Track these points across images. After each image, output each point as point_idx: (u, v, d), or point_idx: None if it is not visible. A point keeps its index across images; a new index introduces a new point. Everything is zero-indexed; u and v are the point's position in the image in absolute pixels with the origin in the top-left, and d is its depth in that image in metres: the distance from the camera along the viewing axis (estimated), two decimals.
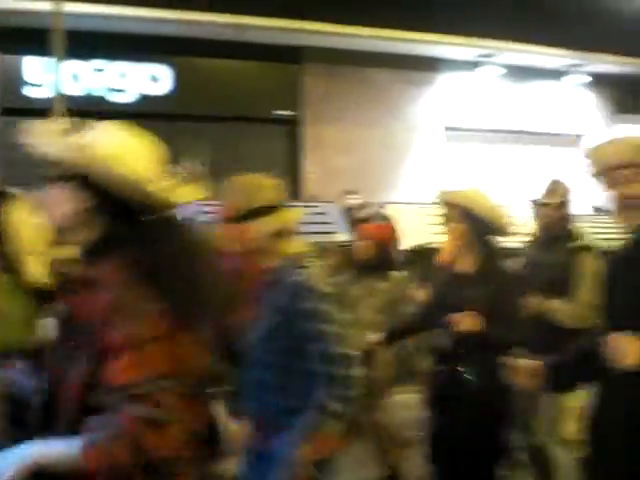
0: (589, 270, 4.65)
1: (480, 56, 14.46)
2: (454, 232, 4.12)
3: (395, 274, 5.39)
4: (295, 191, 13.36)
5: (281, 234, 2.90)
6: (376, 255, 5.37)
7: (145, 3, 11.58)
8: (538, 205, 5.18)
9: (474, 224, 4.02)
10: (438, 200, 4.21)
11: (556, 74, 15.55)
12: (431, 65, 14.45)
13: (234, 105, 13.31)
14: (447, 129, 14.72)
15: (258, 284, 2.88)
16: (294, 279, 2.81)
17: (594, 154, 2.91)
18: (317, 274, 2.85)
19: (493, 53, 14.34)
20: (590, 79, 15.86)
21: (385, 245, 5.45)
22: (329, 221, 8.25)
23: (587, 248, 4.85)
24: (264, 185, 2.93)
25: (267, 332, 2.84)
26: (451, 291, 4.13)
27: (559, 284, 4.73)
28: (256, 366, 2.87)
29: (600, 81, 16.05)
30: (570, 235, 5.00)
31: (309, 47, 13.39)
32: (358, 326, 5.15)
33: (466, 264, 4.14)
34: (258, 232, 2.85)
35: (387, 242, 5.50)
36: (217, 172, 11.92)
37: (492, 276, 4.01)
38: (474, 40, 13.71)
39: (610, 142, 2.90)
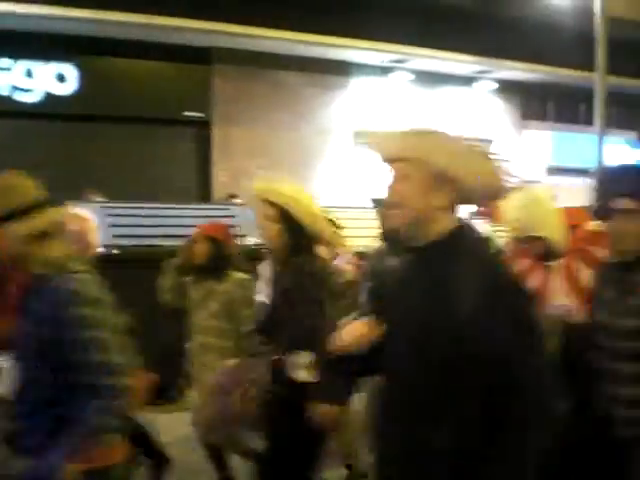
0: None
1: (391, 61, 14.62)
2: (268, 232, 3.85)
3: (234, 275, 5.05)
4: (205, 193, 13.30)
5: (44, 237, 2.61)
6: (212, 255, 5.10)
7: (52, 1, 11.36)
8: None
9: (290, 226, 3.73)
10: (258, 196, 3.87)
11: (465, 80, 15.83)
12: (342, 69, 14.54)
13: (143, 106, 13.14)
14: (356, 133, 14.81)
15: (19, 292, 2.67)
16: (57, 285, 2.56)
17: (372, 140, 2.48)
18: (84, 279, 2.63)
19: (404, 59, 14.51)
20: (498, 85, 16.19)
21: (221, 244, 5.14)
22: (237, 224, 8.20)
23: None
24: (18, 185, 2.64)
25: (32, 345, 2.59)
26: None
27: None
28: (27, 381, 2.65)
29: (508, 87, 16.40)
30: None
31: (219, 48, 13.32)
32: (195, 331, 5.04)
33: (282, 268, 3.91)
34: (14, 236, 2.56)
35: (223, 241, 5.18)
36: (124, 173, 11.78)
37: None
38: (385, 45, 13.84)
39: (389, 131, 2.46)
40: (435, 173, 2.24)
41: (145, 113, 13.18)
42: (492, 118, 16.50)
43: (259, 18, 12.54)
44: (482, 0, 14.94)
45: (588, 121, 13.85)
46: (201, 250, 5.13)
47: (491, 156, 2.32)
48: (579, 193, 9.51)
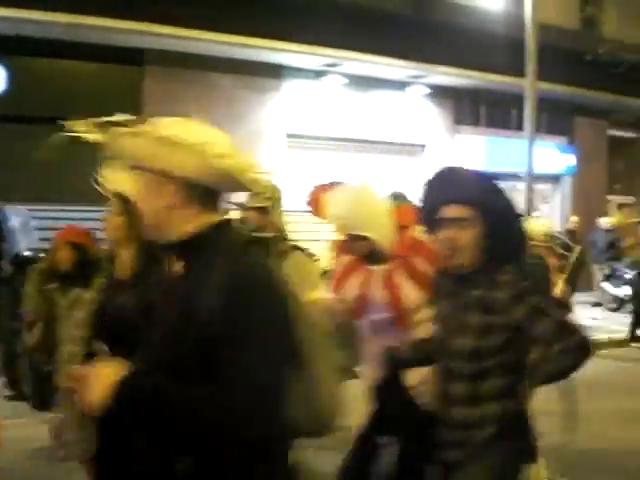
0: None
1: (324, 65, 14.54)
2: (111, 224, 3.68)
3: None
4: None
5: None
6: (76, 262, 4.90)
7: None
8: (244, 208, 4.53)
9: (132, 217, 3.43)
10: (102, 188, 3.72)
11: (399, 85, 15.84)
12: (275, 72, 14.40)
13: (72, 107, 12.76)
14: (289, 136, 14.70)
15: None
16: None
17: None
18: None
19: (337, 62, 14.45)
20: (431, 90, 16.26)
21: (84, 250, 4.92)
22: None
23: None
24: None
25: None
26: (108, 299, 3.67)
27: None
28: None
29: (441, 92, 16.47)
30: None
31: (150, 49, 13.06)
32: (63, 340, 4.80)
33: (122, 264, 3.66)
34: None
35: (85, 246, 4.96)
36: (52, 175, 11.40)
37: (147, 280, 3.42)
38: (318, 49, 13.75)
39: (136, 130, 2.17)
40: (157, 173, 2.11)
41: (75, 115, 12.82)
42: (425, 123, 16.56)
43: (190, 20, 12.34)
44: (416, 5, 15.00)
45: (519, 126, 13.98)
46: (64, 256, 4.89)
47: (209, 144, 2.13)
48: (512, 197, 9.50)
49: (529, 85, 13.05)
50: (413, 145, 16.50)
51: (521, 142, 13.26)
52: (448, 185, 3.13)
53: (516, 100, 14.19)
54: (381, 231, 3.77)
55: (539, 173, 14.30)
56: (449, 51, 14.81)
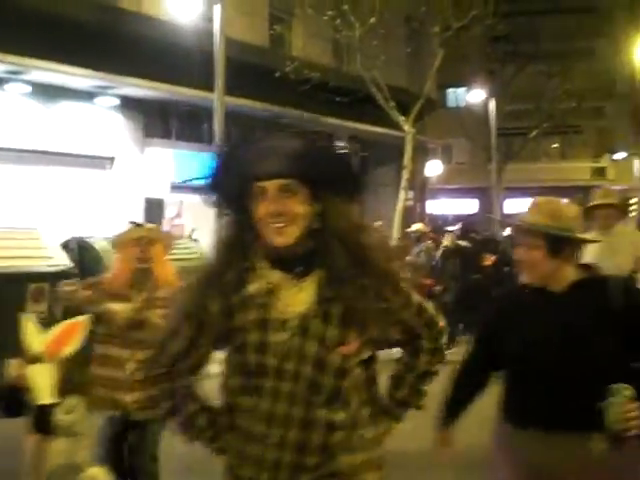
0: None
1: (6, 72, 13.66)
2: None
3: None
4: None
5: None
6: None
7: None
8: None
9: None
10: None
11: (87, 95, 15.29)
12: None
13: None
14: None
15: None
16: None
17: None
18: None
19: (20, 70, 13.62)
20: (120, 102, 15.87)
21: None
22: None
23: None
24: None
25: None
26: None
27: None
28: None
29: (130, 104, 16.14)
30: None
31: None
32: None
33: None
34: None
35: None
36: None
37: None
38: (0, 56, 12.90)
39: None
40: None
41: None
42: (114, 135, 16.11)
43: None
44: (104, 16, 14.60)
45: (210, 140, 14.03)
46: None
47: None
48: (201, 209, 9.50)
49: (217, 99, 13.19)
50: (102, 158, 15.98)
51: (212, 156, 13.30)
52: None
53: (207, 114, 14.26)
54: None
55: None
56: (137, 63, 14.54)
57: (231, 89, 13.27)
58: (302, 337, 2.40)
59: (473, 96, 30.46)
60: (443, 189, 33.85)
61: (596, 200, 6.99)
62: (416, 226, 14.94)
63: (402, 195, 18.29)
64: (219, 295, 2.46)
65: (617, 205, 7.22)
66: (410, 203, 22.28)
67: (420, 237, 14.07)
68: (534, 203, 3.26)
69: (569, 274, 3.16)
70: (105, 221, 13.75)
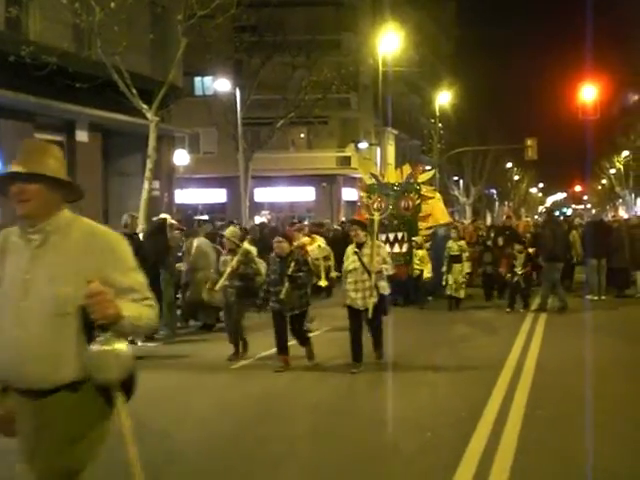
0: None
1: None
2: None
3: None
4: None
5: None
6: None
7: None
8: None
9: None
10: None
11: None
12: None
13: None
14: None
15: None
16: None
17: None
18: None
19: None
20: None
21: None
22: None
23: None
24: None
25: None
26: None
27: None
28: None
29: None
30: None
31: None
32: None
33: None
34: None
35: None
36: None
37: None
38: None
39: None
40: None
41: None
42: None
43: None
44: None
45: None
46: None
47: None
48: None
49: None
50: None
51: None
52: None
53: None
54: None
55: None
56: None
57: None
58: None
59: (219, 85, 30.60)
60: (192, 178, 33.72)
61: None
62: (163, 216, 14.70)
63: (146, 185, 17.94)
64: None
65: None
66: (157, 193, 21.96)
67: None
68: None
69: None
70: None
